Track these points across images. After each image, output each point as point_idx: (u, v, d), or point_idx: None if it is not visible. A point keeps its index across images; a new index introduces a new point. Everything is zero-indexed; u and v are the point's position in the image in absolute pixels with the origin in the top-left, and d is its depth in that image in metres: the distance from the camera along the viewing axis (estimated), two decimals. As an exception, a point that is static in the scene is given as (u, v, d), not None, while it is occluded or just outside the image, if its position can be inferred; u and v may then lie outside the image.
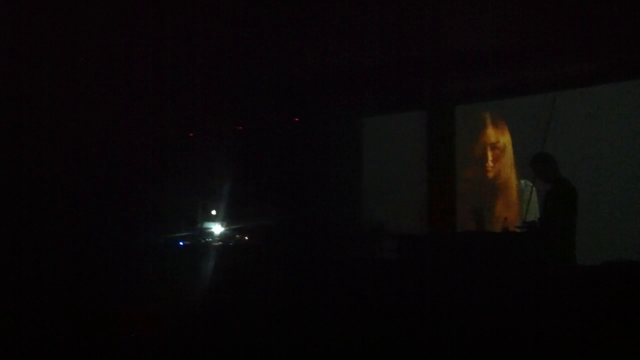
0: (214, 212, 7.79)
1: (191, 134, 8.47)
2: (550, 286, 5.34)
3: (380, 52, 7.97)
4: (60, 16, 7.13)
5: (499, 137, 8.23)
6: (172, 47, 7.62)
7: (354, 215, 8.43)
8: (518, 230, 6.20)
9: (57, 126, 7.10)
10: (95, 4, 7.20)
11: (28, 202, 6.83)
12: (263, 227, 7.57)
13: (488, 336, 5.09)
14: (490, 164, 8.14)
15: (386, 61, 8.12)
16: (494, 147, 8.17)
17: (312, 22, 7.50)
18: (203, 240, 7.48)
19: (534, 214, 6.52)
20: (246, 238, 7.57)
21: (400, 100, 8.58)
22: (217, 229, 7.64)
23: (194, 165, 8.18)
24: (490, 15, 7.41)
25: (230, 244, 7.46)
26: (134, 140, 7.66)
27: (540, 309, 5.17)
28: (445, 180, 8.07)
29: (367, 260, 7.25)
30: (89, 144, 7.40)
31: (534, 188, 6.49)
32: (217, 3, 7.12)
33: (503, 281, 5.52)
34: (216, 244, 7.40)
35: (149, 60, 7.73)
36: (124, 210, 7.32)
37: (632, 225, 6.71)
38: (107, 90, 7.59)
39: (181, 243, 7.39)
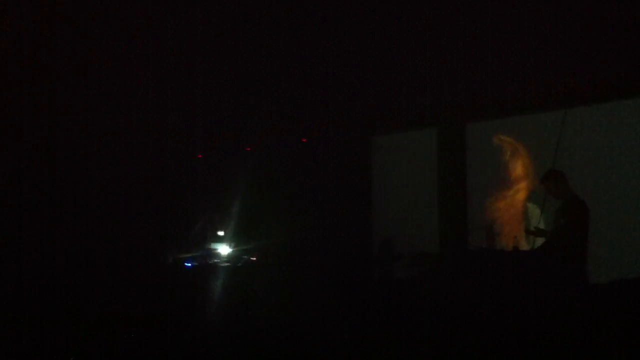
0: (221, 233, 7.77)
1: (199, 155, 8.52)
2: (562, 302, 5.28)
3: (390, 69, 8.02)
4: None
5: (511, 154, 8.16)
6: (178, 62, 7.71)
7: (364, 233, 8.37)
8: (529, 234, 6.15)
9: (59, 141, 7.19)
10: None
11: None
12: (272, 246, 7.54)
13: (499, 351, 5.03)
14: (502, 181, 8.06)
15: (396, 78, 8.15)
16: (505, 164, 8.10)
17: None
18: (210, 261, 7.45)
19: (541, 239, 6.46)
20: (253, 259, 7.54)
21: (411, 117, 8.57)
22: (224, 249, 7.61)
23: (202, 185, 8.21)
24: (500, 32, 7.45)
25: (239, 264, 7.42)
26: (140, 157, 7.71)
27: (552, 324, 5.11)
28: (456, 198, 8.02)
29: (378, 277, 7.22)
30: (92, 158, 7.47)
31: (543, 207, 6.43)
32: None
33: (515, 298, 5.46)
34: (224, 264, 7.36)
35: (158, 78, 7.82)
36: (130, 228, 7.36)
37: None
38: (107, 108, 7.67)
39: (189, 264, 7.37)
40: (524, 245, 6.75)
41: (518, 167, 7.93)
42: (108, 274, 6.69)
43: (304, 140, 8.54)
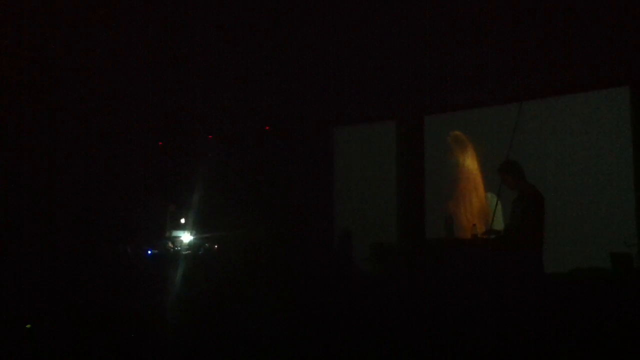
0: (182, 221, 7.71)
1: (160, 143, 8.42)
2: (518, 291, 5.39)
3: (352, 65, 8.11)
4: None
5: (466, 146, 8.34)
6: (140, 49, 7.62)
7: (325, 223, 8.43)
8: (485, 237, 6.26)
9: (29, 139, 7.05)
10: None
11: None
12: (234, 235, 7.51)
13: (457, 340, 5.11)
14: (458, 172, 8.23)
15: (358, 73, 8.24)
16: (461, 156, 8.27)
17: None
18: (172, 249, 7.39)
19: (499, 223, 6.60)
20: (215, 247, 7.50)
21: (371, 110, 8.67)
22: (186, 237, 7.56)
23: (164, 173, 8.12)
24: (459, 30, 7.61)
25: (200, 252, 7.37)
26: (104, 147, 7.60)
27: (509, 313, 5.21)
28: (415, 189, 8.15)
29: (338, 267, 7.23)
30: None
31: (499, 199, 6.55)
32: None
33: (473, 288, 5.55)
34: (185, 252, 7.31)
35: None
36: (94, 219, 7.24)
37: (597, 231, 6.84)
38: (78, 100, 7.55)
39: (149, 252, 7.29)
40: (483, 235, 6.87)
41: (470, 159, 8.11)
42: (68, 264, 6.55)
43: (267, 128, 8.53)
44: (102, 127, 7.79)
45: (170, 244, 7.51)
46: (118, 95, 8.01)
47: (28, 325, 4.97)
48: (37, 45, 7.17)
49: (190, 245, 7.49)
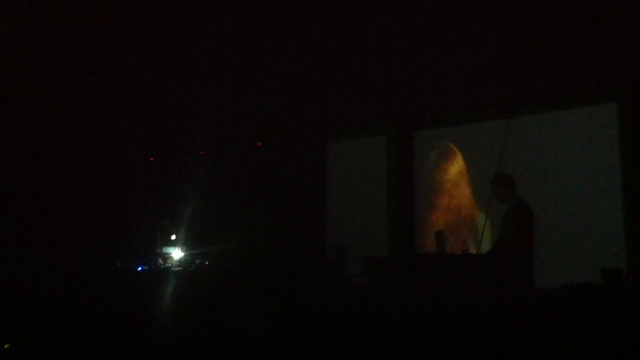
0: (173, 237, 7.68)
1: (152, 158, 8.41)
2: (509, 306, 5.40)
3: (344, 81, 8.17)
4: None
5: (456, 162, 8.38)
6: (134, 65, 7.63)
7: (317, 237, 8.43)
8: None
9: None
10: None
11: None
12: (225, 251, 7.49)
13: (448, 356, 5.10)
14: (448, 187, 8.27)
15: (350, 89, 8.30)
16: (451, 171, 8.31)
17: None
18: (162, 265, 7.35)
19: (487, 242, 6.62)
20: (206, 263, 7.47)
21: (362, 126, 8.72)
22: (176, 253, 7.52)
23: (154, 188, 8.10)
24: (448, 44, 7.69)
25: (191, 269, 7.34)
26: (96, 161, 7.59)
27: (500, 328, 5.21)
28: (405, 203, 8.18)
29: (330, 282, 7.22)
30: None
31: (487, 219, 6.57)
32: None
33: (463, 302, 5.56)
34: (176, 269, 7.27)
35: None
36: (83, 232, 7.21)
37: (585, 247, 6.88)
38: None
39: (140, 268, 7.25)
40: (473, 250, 6.91)
41: (461, 174, 8.15)
42: (57, 278, 6.51)
43: (259, 144, 8.55)
44: (95, 139, 7.78)
45: (160, 260, 7.47)
46: (114, 103, 8.00)
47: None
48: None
49: (181, 262, 7.45)
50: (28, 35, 7.15)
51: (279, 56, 8.04)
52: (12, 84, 7.09)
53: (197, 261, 7.44)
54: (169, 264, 7.39)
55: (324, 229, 8.62)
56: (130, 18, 7.83)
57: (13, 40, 7.05)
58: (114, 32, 7.72)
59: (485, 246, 6.65)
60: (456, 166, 8.27)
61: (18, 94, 7.16)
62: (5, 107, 7.25)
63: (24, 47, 7.15)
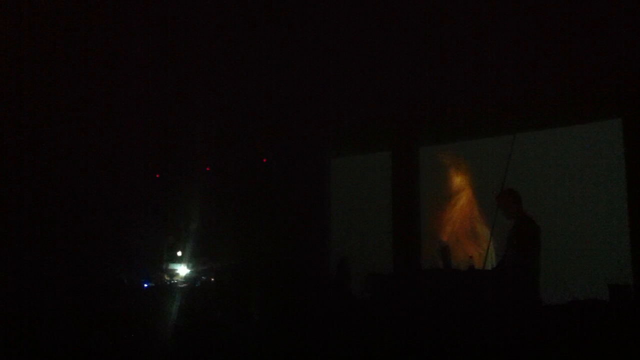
0: (179, 253, 7.69)
1: (158, 175, 8.43)
2: (515, 323, 5.38)
3: (349, 96, 8.19)
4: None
5: (462, 177, 8.39)
6: (137, 81, 7.65)
7: (321, 252, 8.42)
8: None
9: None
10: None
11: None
12: (231, 267, 7.48)
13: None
14: (454, 202, 8.26)
15: (354, 104, 8.32)
16: (457, 186, 8.30)
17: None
18: (168, 282, 7.35)
19: (493, 258, 6.61)
20: (212, 279, 7.47)
21: (367, 141, 8.73)
22: (182, 270, 7.52)
23: (161, 205, 8.11)
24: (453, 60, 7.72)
25: (197, 285, 7.33)
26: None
27: (506, 345, 5.19)
28: (410, 220, 8.17)
29: (335, 298, 7.20)
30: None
31: (492, 236, 6.57)
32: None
33: (469, 319, 5.54)
34: (182, 285, 7.27)
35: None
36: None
37: (590, 261, 6.86)
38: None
39: (146, 284, 7.25)
40: (480, 266, 6.88)
41: (466, 189, 8.15)
42: (64, 294, 6.52)
43: (265, 160, 8.56)
44: (100, 157, 7.80)
45: (166, 277, 7.48)
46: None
47: None
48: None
49: (187, 279, 7.46)
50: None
51: (283, 68, 8.06)
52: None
53: (203, 278, 7.44)
54: (175, 281, 7.39)
55: (327, 245, 8.61)
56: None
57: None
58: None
59: (491, 262, 6.63)
60: (462, 181, 8.28)
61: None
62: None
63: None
